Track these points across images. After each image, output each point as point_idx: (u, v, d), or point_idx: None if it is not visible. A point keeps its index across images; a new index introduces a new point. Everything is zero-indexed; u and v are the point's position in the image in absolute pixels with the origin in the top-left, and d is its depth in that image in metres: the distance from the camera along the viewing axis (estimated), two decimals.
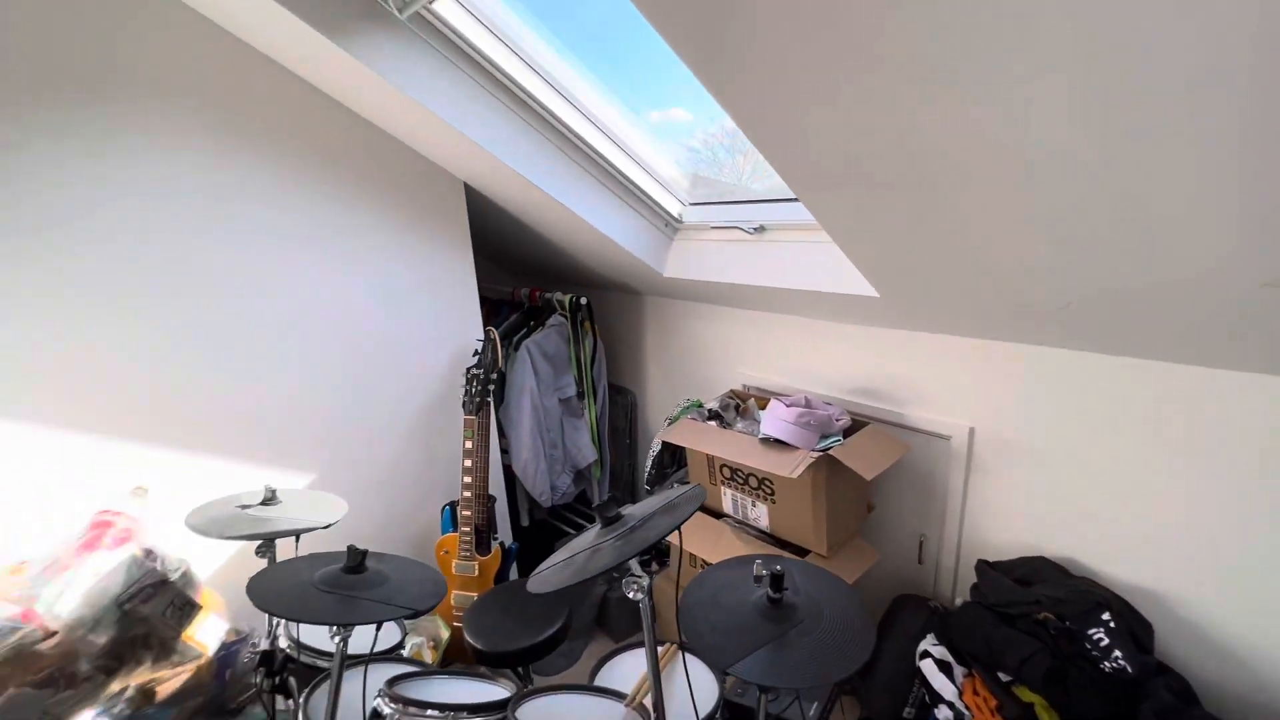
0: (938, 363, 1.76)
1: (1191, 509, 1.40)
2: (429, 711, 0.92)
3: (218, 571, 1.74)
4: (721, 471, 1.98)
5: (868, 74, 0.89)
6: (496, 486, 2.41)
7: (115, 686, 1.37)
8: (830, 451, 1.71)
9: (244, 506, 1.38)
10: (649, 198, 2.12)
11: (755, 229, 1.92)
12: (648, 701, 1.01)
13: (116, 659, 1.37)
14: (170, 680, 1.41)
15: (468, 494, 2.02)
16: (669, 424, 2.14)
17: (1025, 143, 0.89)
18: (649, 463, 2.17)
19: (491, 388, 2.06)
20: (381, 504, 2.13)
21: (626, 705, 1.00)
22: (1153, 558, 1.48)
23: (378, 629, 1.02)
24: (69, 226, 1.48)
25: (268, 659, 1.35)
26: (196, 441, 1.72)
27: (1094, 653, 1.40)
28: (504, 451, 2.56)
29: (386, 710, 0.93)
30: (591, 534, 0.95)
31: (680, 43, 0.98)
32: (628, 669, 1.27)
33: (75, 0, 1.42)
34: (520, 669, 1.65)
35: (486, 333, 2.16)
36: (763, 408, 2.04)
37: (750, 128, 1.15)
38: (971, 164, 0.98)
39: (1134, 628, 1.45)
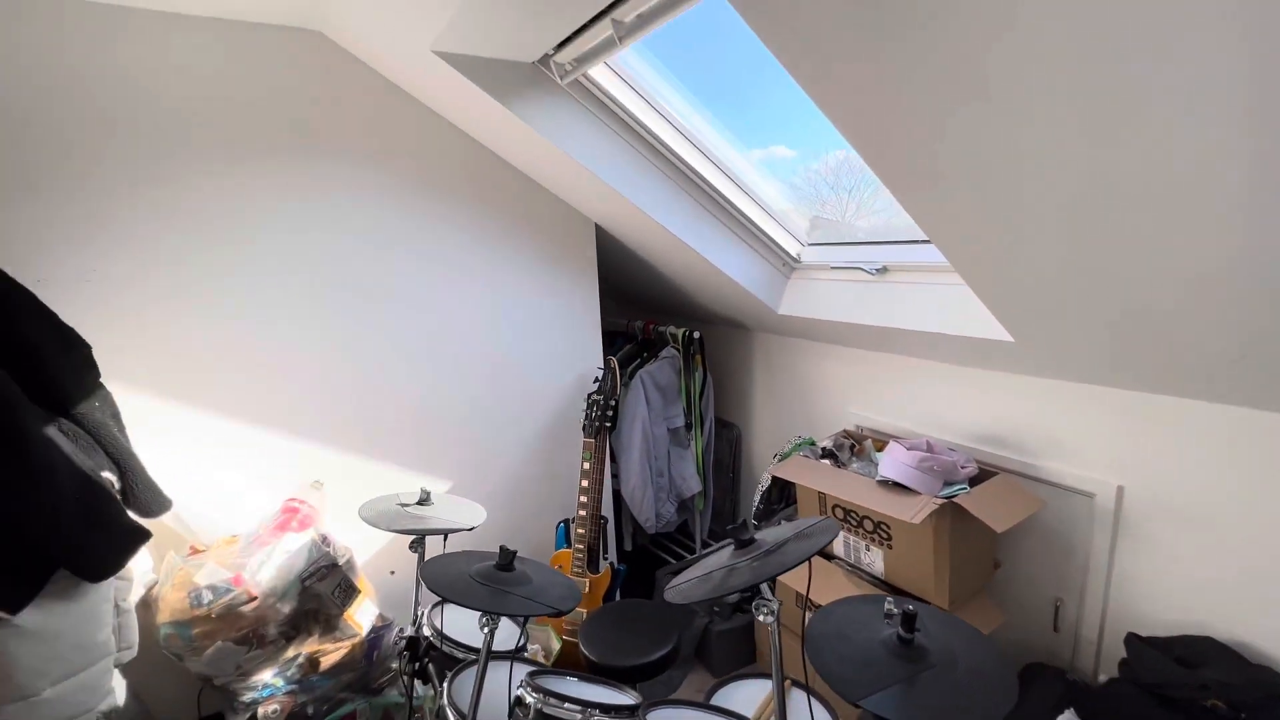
0: (1080, 414, 1.66)
1: None
2: (567, 705, 1.00)
3: (367, 561, 1.96)
4: (834, 512, 1.95)
5: (1038, 114, 0.91)
6: (606, 509, 2.51)
7: (290, 652, 1.58)
8: (955, 499, 1.65)
9: (403, 505, 1.57)
10: (768, 237, 2.19)
11: (878, 270, 1.93)
12: None
13: (294, 628, 1.59)
14: (332, 654, 1.61)
15: (583, 513, 2.14)
16: (779, 460, 2.15)
17: (1209, 180, 0.86)
18: (757, 498, 2.18)
19: (611, 413, 2.18)
20: (505, 514, 2.30)
21: None
22: None
23: (525, 622, 1.13)
24: (279, 255, 1.79)
25: (413, 644, 1.50)
26: (360, 444, 1.98)
27: None
28: (613, 476, 2.67)
29: (530, 699, 1.03)
30: (725, 554, 1.00)
31: (813, 84, 1.05)
32: (741, 698, 1.29)
33: (290, 76, 1.75)
34: (628, 685, 1.71)
35: (607, 361, 2.30)
36: (880, 450, 2.00)
37: (886, 172, 1.19)
38: (1148, 198, 0.95)
39: None
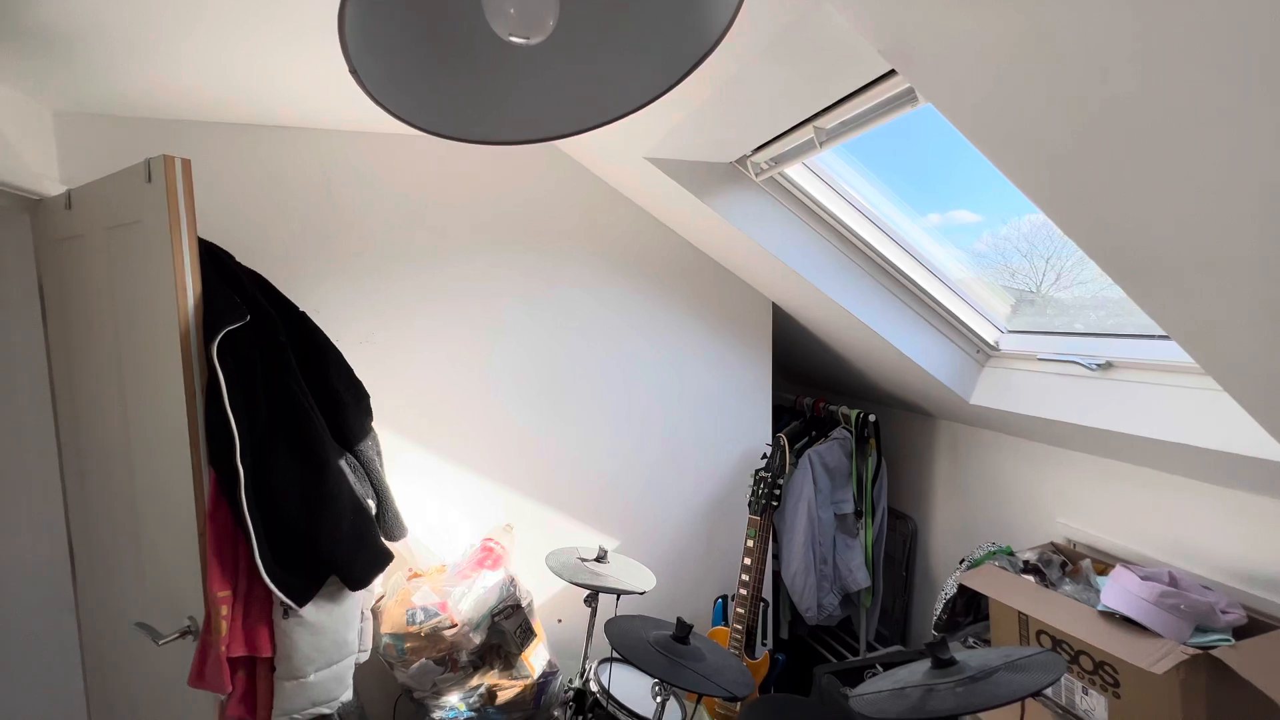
0: None
1: None
2: None
3: (540, 606, 2.11)
4: (1039, 639, 1.69)
5: None
6: (766, 591, 2.44)
7: (475, 681, 1.75)
8: (1214, 652, 1.35)
9: (583, 559, 1.69)
10: (960, 322, 2.07)
11: (1099, 365, 1.72)
12: None
13: (481, 658, 1.76)
14: (508, 690, 1.74)
15: (744, 592, 2.10)
16: (967, 567, 1.94)
17: None
18: (939, 606, 1.97)
19: (778, 492, 2.15)
20: (664, 581, 2.34)
21: None
22: None
23: (698, 700, 1.14)
24: (495, 330, 2.10)
25: (580, 697, 1.58)
26: (548, 498, 2.18)
27: None
28: (774, 557, 2.59)
29: None
30: (919, 671, 0.94)
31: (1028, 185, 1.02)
32: None
33: (530, 181, 2.10)
34: None
35: (776, 439, 2.29)
36: (1101, 573, 1.71)
37: (1104, 258, 1.09)
38: None
39: None
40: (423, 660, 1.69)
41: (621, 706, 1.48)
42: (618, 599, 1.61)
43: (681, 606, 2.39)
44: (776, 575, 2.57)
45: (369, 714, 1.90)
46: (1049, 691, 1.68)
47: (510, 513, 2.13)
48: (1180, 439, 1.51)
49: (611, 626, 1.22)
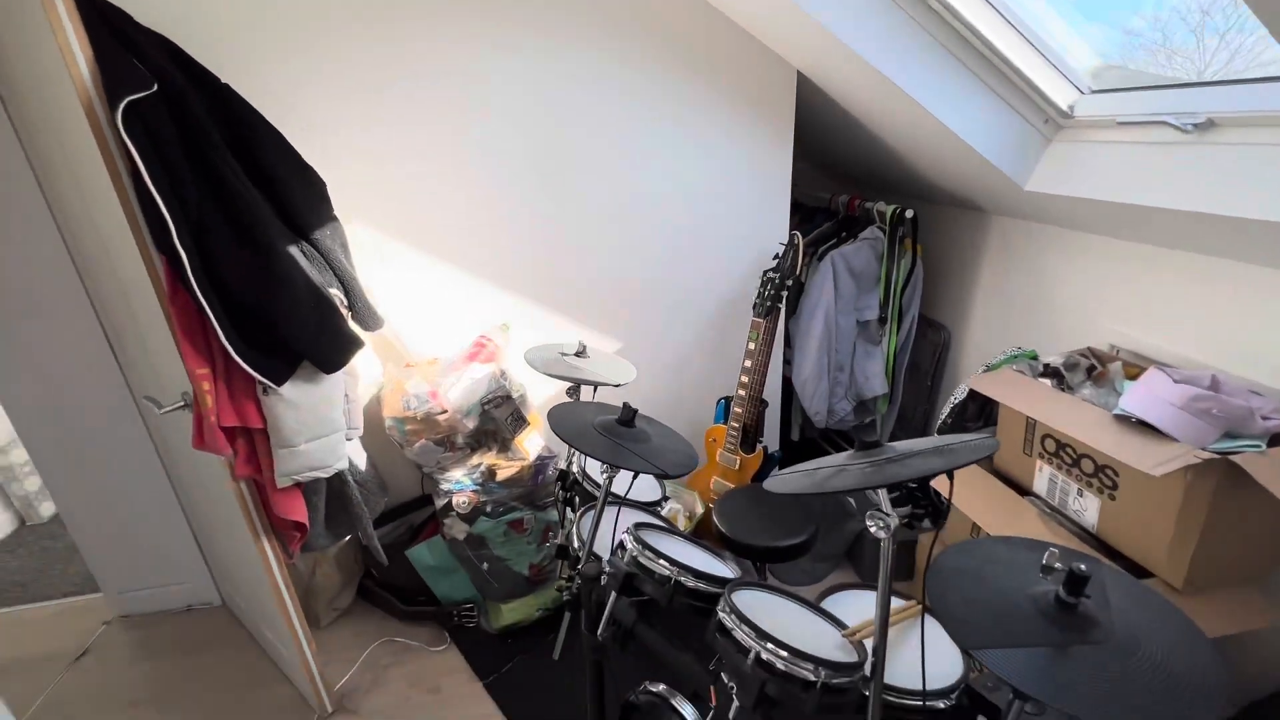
0: None
1: None
2: (661, 561, 1.02)
3: (544, 403, 2.20)
4: (1043, 443, 1.59)
5: None
6: (772, 394, 2.42)
7: (475, 460, 1.90)
8: (1235, 458, 1.20)
9: (563, 354, 1.68)
10: (1027, 82, 1.65)
11: (1197, 124, 1.34)
12: (868, 643, 0.93)
13: (477, 441, 1.89)
14: (505, 469, 1.88)
15: (742, 393, 2.08)
16: (982, 370, 1.79)
17: None
18: (946, 410, 1.87)
19: (785, 294, 2.00)
20: (666, 383, 2.36)
21: (844, 635, 0.94)
22: None
23: (634, 478, 1.15)
24: (482, 111, 1.88)
25: (564, 476, 1.68)
26: (546, 298, 2.13)
27: None
28: (787, 362, 2.52)
29: (629, 544, 1.07)
30: (844, 456, 0.87)
31: None
32: (860, 606, 1.19)
33: None
34: (756, 564, 1.72)
35: (791, 237, 2.08)
36: (1131, 377, 1.53)
37: None
38: None
39: None
40: (423, 441, 1.82)
41: (596, 485, 1.56)
42: (595, 391, 1.62)
43: (687, 407, 2.43)
44: (789, 380, 2.53)
45: (397, 487, 2.14)
46: (1041, 490, 1.62)
47: (509, 313, 2.13)
48: None
49: (555, 411, 1.22)
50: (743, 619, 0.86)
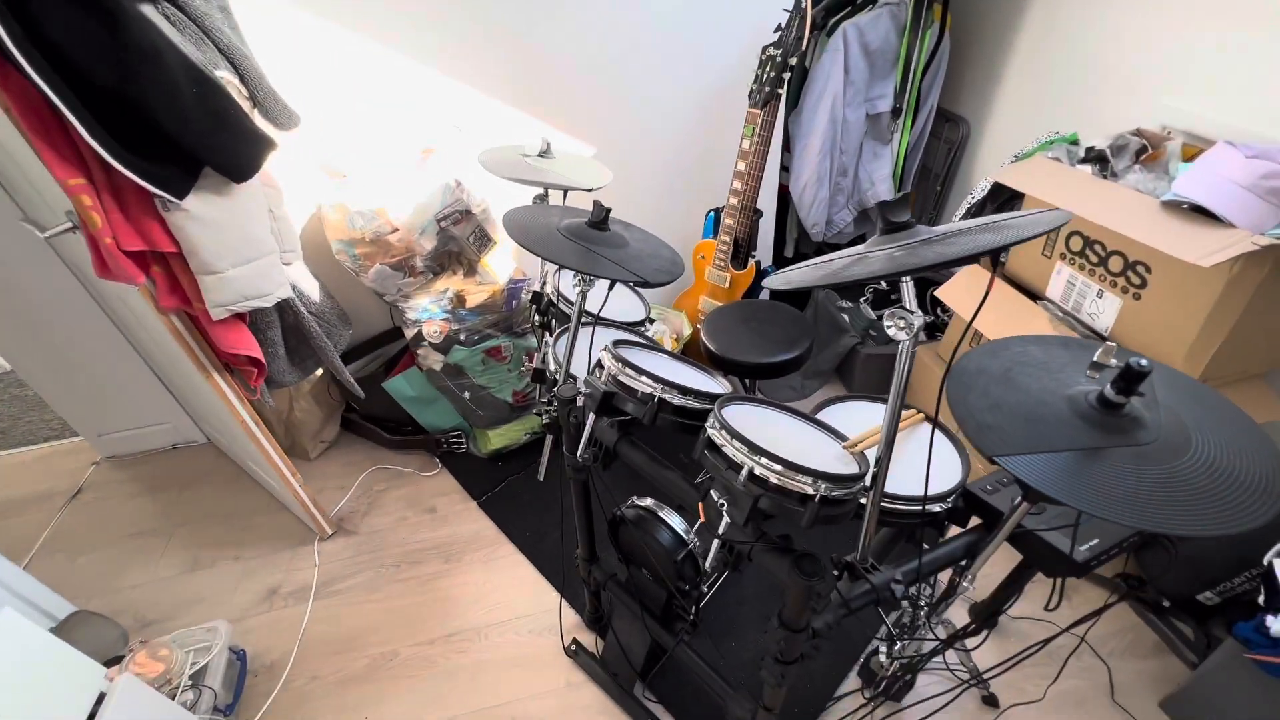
0: None
1: None
2: (643, 378, 0.91)
3: None
4: (1068, 241, 1.43)
5: None
6: (767, 203, 2.19)
7: (439, 285, 1.73)
8: None
9: (525, 155, 1.42)
10: None
11: None
12: (869, 454, 0.85)
13: (440, 264, 1.70)
14: (476, 294, 1.72)
15: (734, 201, 1.85)
16: (1009, 161, 1.56)
17: None
18: (963, 209, 1.68)
19: (787, 75, 1.68)
20: (651, 194, 2.11)
21: (845, 447, 0.86)
22: None
23: (610, 286, 1.00)
24: None
25: (538, 298, 1.52)
26: (506, 96, 1.79)
27: None
28: (784, 169, 2.25)
29: (607, 362, 0.95)
30: (864, 246, 0.70)
31: None
32: (856, 419, 1.12)
33: None
34: (746, 381, 1.65)
35: (796, 0, 1.69)
36: (1189, 158, 1.31)
37: None
38: None
39: None
40: (378, 265, 1.63)
41: (570, 302, 1.41)
42: (564, 196, 1.39)
43: (671, 219, 2.21)
44: (785, 190, 2.29)
45: (360, 321, 1.99)
46: (1056, 295, 1.50)
47: (464, 114, 1.80)
48: None
49: (512, 215, 1.01)
50: (734, 434, 0.76)
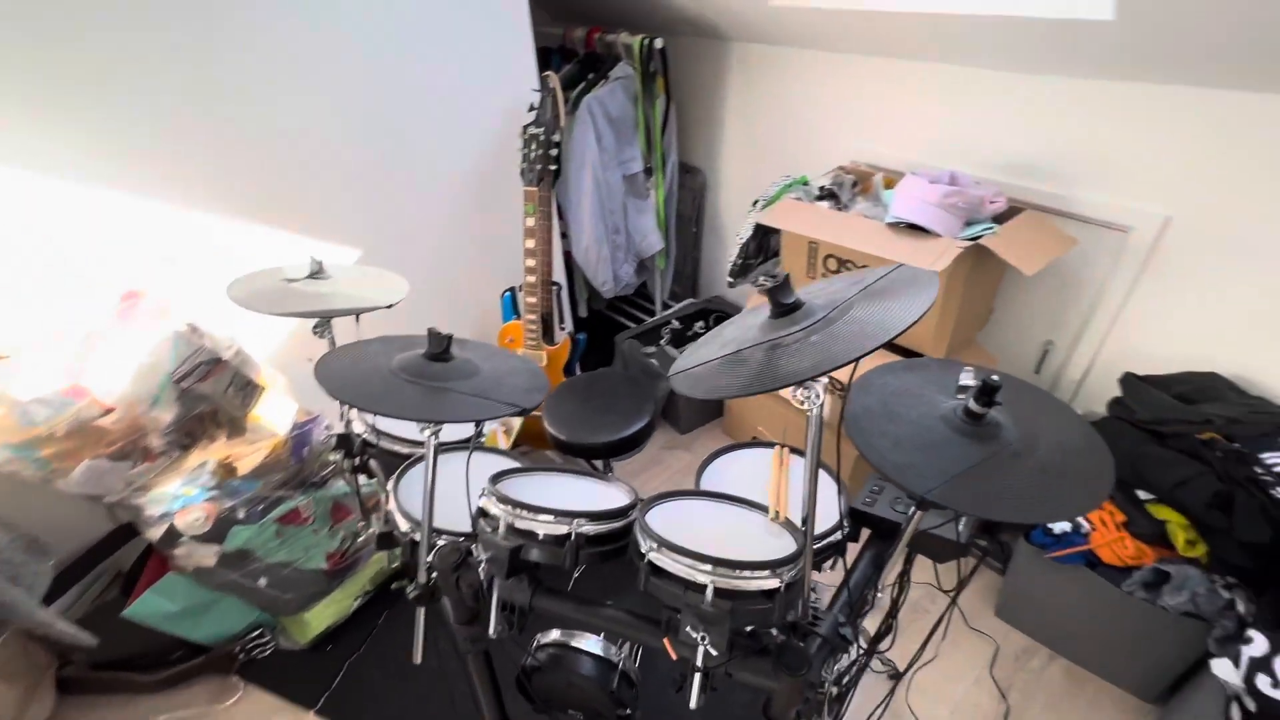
0: (1142, 129, 1.33)
1: None
2: (546, 516, 0.78)
3: (279, 352, 1.61)
4: (826, 263, 1.69)
5: None
6: (559, 273, 2.18)
7: (194, 460, 1.31)
8: (981, 241, 1.39)
9: (290, 280, 1.16)
10: None
11: None
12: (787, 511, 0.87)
13: (189, 435, 1.29)
14: (248, 457, 1.35)
15: (531, 279, 1.79)
16: (762, 206, 1.80)
17: None
18: (735, 252, 1.88)
19: (555, 151, 1.69)
20: (436, 286, 1.93)
21: (772, 519, 0.86)
22: None
23: (478, 429, 0.85)
24: None
25: (345, 442, 1.25)
26: (226, 208, 1.46)
27: (1264, 476, 1.22)
28: (562, 236, 2.27)
29: (495, 510, 0.80)
30: (754, 324, 0.70)
31: None
32: (739, 470, 1.14)
33: None
34: (600, 462, 1.58)
35: (543, 79, 1.72)
36: (889, 186, 1.67)
37: None
38: None
39: None
40: (88, 462, 1.17)
41: (398, 440, 1.18)
42: (357, 320, 1.17)
43: (466, 310, 2.06)
44: (567, 255, 2.31)
45: (68, 537, 1.41)
46: None
47: (174, 240, 1.41)
48: (1011, 10, 1.30)
49: (324, 368, 0.80)
50: (681, 551, 0.70)
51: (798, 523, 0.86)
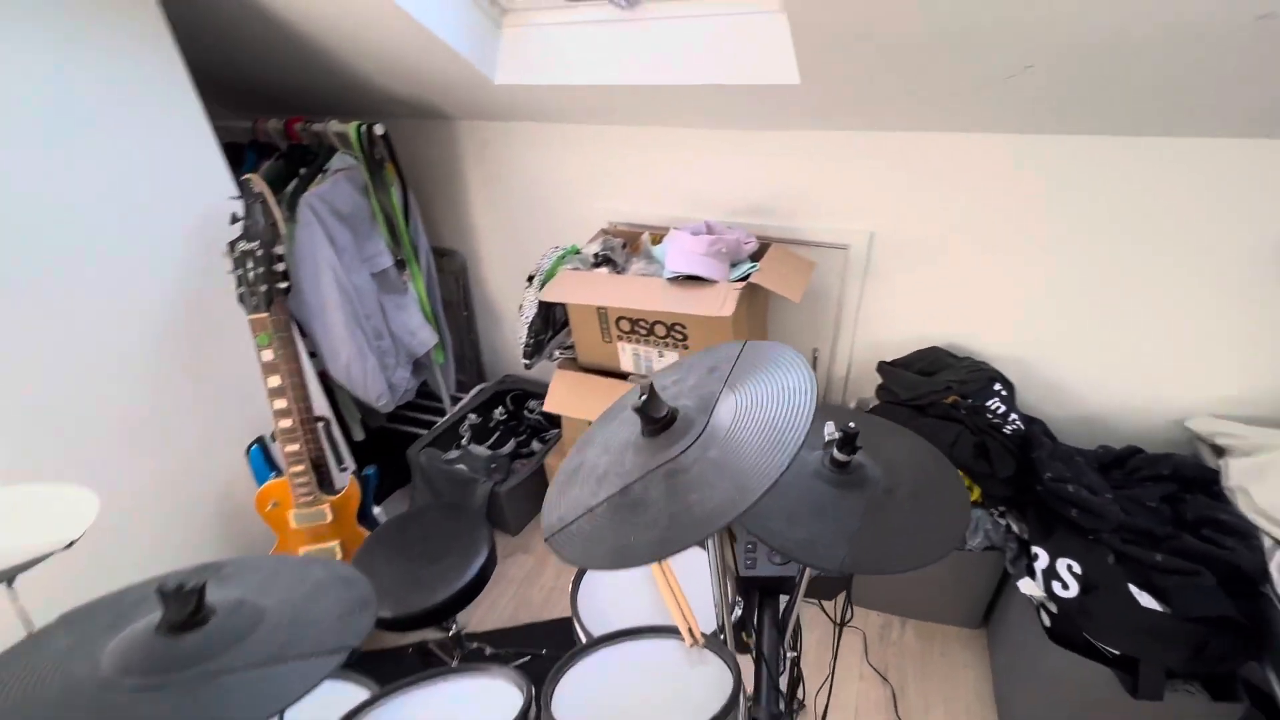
0: (841, 166, 1.61)
1: (1047, 284, 1.53)
2: None
3: None
4: (618, 326, 1.68)
5: None
6: (322, 405, 1.80)
7: None
8: (751, 279, 1.51)
9: None
10: None
11: (628, 2, 1.44)
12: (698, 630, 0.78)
13: None
14: None
15: (287, 423, 1.43)
16: (540, 281, 1.73)
17: None
18: (524, 331, 1.76)
19: (281, 265, 1.38)
20: (146, 480, 1.42)
21: (691, 645, 0.75)
22: (1019, 330, 1.63)
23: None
24: None
25: None
26: None
27: (995, 420, 1.53)
28: (311, 355, 1.89)
29: None
30: (622, 444, 0.60)
31: None
32: (609, 583, 1.03)
33: None
34: (445, 623, 1.30)
35: (244, 184, 1.40)
36: (656, 242, 1.73)
37: None
38: None
39: (1010, 391, 1.63)
40: None
41: None
42: (10, 585, 0.75)
43: (194, 493, 1.55)
44: (323, 376, 1.93)
45: None
46: (634, 368, 1.74)
47: None
48: (708, 80, 1.44)
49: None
50: None
51: (705, 619, 0.78)
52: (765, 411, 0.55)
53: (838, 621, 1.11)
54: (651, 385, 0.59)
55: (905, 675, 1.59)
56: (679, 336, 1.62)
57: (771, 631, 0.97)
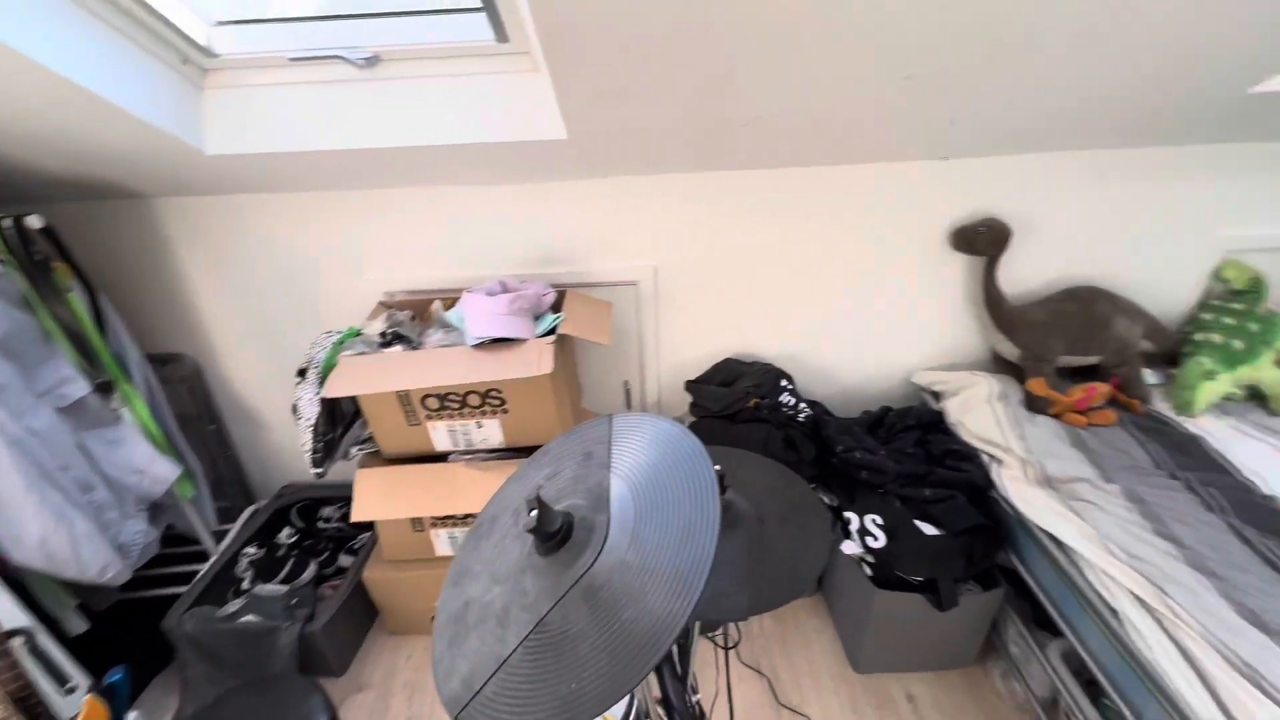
0: (620, 207, 1.69)
1: (795, 288, 1.83)
2: None
3: None
4: (424, 405, 1.52)
5: None
6: (9, 612, 1.26)
7: None
8: (560, 330, 1.50)
9: None
10: (159, 17, 1.18)
11: (366, 59, 1.32)
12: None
13: None
14: None
15: None
16: (318, 373, 1.48)
17: None
18: (308, 437, 1.48)
19: None
20: None
21: None
22: (784, 329, 1.91)
23: None
24: None
25: None
26: None
27: (790, 412, 1.76)
28: None
29: None
30: (515, 571, 0.52)
31: None
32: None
33: None
34: None
35: None
36: (449, 307, 1.61)
37: None
38: None
39: (792, 383, 1.88)
40: None
41: None
42: None
43: None
44: (4, 566, 1.37)
45: None
46: (451, 445, 1.59)
47: None
48: (470, 139, 1.40)
49: None
50: None
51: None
52: (666, 491, 0.54)
53: (726, 647, 1.15)
54: (540, 498, 0.53)
55: (774, 661, 1.71)
56: (496, 403, 1.53)
57: (674, 683, 0.96)
